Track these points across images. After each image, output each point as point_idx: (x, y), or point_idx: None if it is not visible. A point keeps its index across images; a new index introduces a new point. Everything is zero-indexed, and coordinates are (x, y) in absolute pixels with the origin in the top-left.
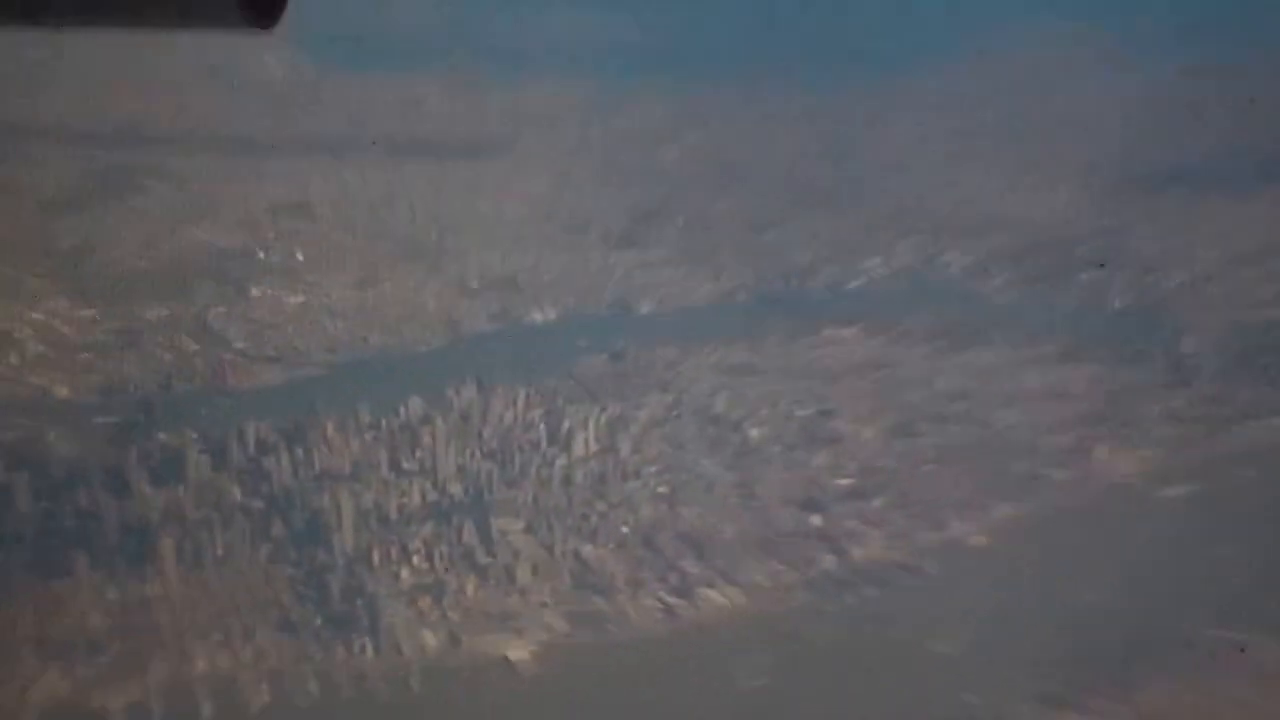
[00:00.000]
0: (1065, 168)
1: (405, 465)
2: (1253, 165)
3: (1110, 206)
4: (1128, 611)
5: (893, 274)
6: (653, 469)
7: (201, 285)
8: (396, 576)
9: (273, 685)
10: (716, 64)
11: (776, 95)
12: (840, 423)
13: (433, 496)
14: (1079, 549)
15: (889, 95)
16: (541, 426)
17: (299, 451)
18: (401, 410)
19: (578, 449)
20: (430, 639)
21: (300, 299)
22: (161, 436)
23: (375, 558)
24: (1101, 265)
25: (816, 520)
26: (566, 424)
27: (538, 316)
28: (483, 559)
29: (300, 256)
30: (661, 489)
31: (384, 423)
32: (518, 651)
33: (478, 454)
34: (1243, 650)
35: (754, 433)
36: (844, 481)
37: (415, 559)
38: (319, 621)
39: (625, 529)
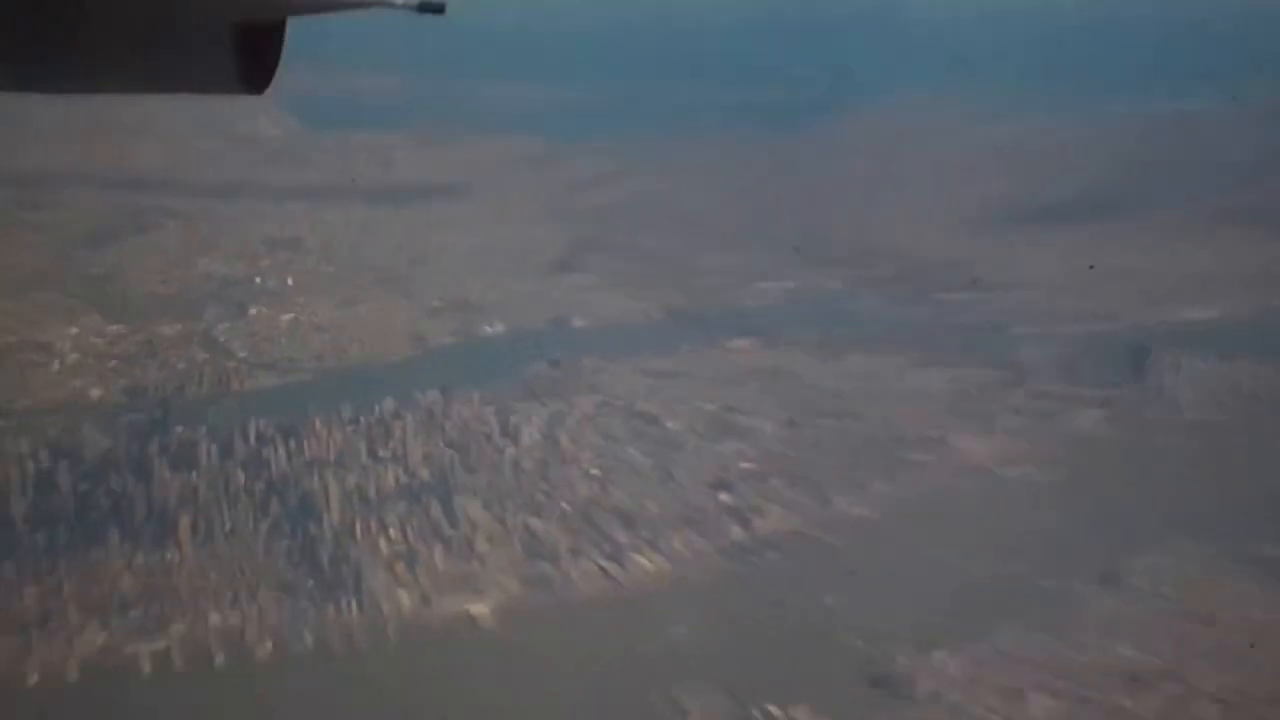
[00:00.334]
0: (931, 207)
1: (381, 454)
2: (1086, 202)
3: (965, 238)
4: (984, 568)
5: (785, 295)
6: (587, 456)
7: (209, 306)
8: (376, 547)
9: (274, 638)
10: (646, 124)
11: (695, 149)
12: (742, 417)
13: (404, 480)
14: (943, 519)
15: (792, 148)
16: (494, 421)
17: (292, 443)
18: (377, 408)
19: (524, 440)
20: (405, 599)
21: (291, 317)
22: (178, 430)
23: (358, 531)
24: (974, 280)
25: (725, 498)
26: (514, 419)
27: (489, 331)
28: (447, 531)
29: (291, 282)
30: (595, 472)
31: (363, 419)
32: (479, 608)
33: (441, 444)
34: (1075, 594)
35: (671, 425)
36: (747, 465)
37: (391, 532)
38: (311, 584)
39: (566, 506)
